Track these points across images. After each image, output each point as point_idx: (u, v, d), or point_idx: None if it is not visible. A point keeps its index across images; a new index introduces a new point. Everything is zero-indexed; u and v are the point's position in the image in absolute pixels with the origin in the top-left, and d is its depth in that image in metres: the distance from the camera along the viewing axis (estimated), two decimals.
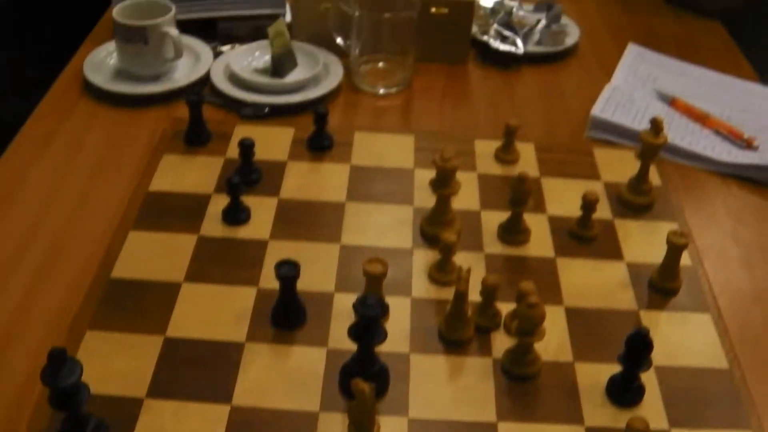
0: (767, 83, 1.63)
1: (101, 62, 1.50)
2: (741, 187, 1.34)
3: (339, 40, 1.51)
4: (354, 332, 0.92)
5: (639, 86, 1.54)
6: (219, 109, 1.41)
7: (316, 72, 1.46)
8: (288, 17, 1.59)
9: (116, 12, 1.44)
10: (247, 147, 1.21)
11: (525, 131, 1.36)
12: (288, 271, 0.99)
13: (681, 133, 1.41)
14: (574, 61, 1.65)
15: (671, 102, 1.49)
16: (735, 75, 1.63)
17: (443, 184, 1.13)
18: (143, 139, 1.35)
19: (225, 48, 1.56)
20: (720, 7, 1.85)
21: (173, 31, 1.44)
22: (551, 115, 1.48)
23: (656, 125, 1.22)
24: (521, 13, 1.63)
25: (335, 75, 1.48)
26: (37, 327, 1.02)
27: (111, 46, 1.51)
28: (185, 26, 1.53)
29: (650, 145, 1.22)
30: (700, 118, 1.45)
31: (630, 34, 1.77)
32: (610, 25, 1.81)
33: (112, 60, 1.51)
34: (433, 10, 1.53)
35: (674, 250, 1.09)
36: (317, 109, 1.30)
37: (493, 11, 1.63)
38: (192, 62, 1.51)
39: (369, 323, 0.91)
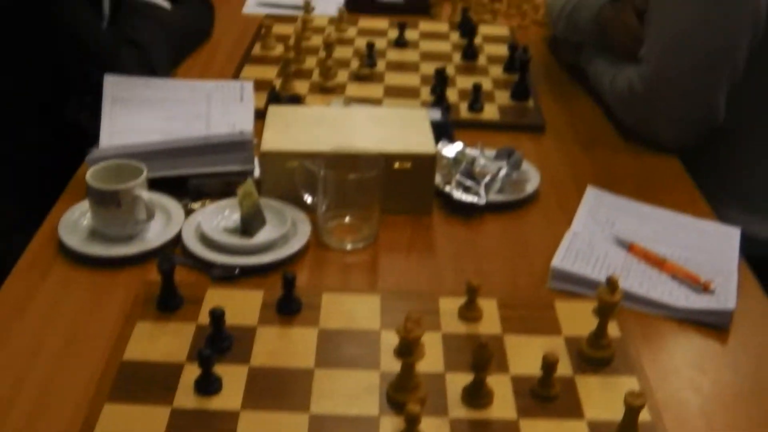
0: (722, 218, 1.68)
1: (76, 222, 1.54)
2: (699, 331, 1.38)
3: (306, 197, 1.56)
4: None
5: (598, 231, 1.58)
6: (191, 269, 1.45)
7: (285, 231, 1.50)
8: (257, 173, 1.64)
9: (89, 176, 1.48)
10: (217, 317, 1.25)
11: (488, 284, 1.39)
12: None
13: (639, 280, 1.46)
14: (535, 206, 1.69)
15: (629, 247, 1.53)
16: (691, 212, 1.68)
17: (407, 353, 1.16)
18: (118, 302, 1.38)
19: (196, 205, 1.60)
20: (676, 142, 1.91)
21: (145, 194, 1.48)
22: (514, 265, 1.52)
23: (612, 283, 1.27)
24: (482, 161, 1.67)
25: (303, 233, 1.52)
26: None
27: (84, 206, 1.55)
28: (156, 183, 1.57)
29: (606, 303, 1.26)
30: (658, 263, 1.49)
31: (590, 174, 1.81)
32: (570, 165, 1.86)
33: (86, 220, 1.54)
34: (397, 165, 1.58)
35: (631, 411, 1.12)
36: (285, 274, 1.33)
37: (456, 161, 1.67)
38: (164, 221, 1.55)
39: None
